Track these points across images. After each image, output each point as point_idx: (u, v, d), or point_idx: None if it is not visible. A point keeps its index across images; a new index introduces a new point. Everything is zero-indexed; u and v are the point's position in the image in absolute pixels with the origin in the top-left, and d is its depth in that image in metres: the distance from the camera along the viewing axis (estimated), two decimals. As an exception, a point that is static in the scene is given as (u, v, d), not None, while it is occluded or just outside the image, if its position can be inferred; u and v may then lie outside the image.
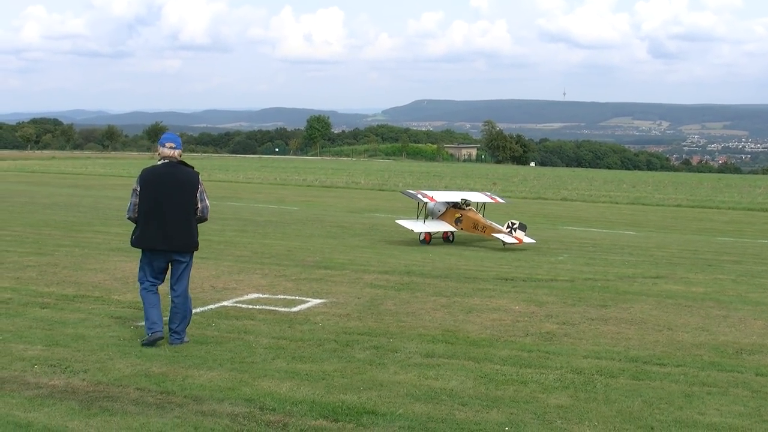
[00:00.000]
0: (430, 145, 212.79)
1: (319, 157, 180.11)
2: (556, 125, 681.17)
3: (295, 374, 9.86)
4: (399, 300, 15.10)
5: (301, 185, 66.00)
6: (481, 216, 26.99)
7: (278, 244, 23.72)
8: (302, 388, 9.34)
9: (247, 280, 16.83)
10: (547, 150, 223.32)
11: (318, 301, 14.78)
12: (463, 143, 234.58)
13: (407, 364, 10.54)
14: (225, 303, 14.37)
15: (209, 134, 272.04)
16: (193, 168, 11.64)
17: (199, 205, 11.50)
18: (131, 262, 18.26)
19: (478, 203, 28.34)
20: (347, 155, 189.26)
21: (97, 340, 11.41)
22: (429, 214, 27.34)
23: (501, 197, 31.64)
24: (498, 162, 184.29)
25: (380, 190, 62.60)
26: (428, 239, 26.25)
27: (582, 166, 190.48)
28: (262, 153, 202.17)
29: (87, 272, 17.50)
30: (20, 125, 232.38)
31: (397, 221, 28.19)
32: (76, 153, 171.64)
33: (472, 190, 48.17)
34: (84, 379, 9.50)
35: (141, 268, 11.60)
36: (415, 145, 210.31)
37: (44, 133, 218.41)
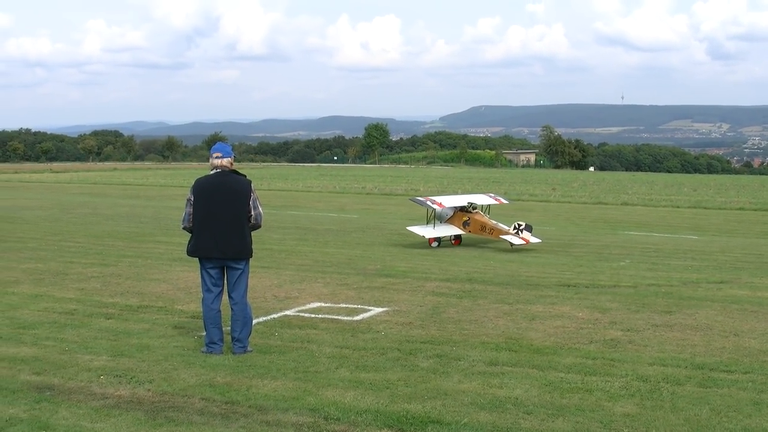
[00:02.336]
0: (488, 151, 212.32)
1: (377, 165, 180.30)
2: (615, 129, 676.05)
3: (359, 383, 9.84)
4: (461, 308, 15.03)
5: (360, 193, 66.04)
6: (488, 218, 27.51)
7: (339, 253, 23.75)
8: (366, 397, 9.31)
9: (309, 289, 16.87)
10: (606, 154, 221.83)
11: (380, 309, 14.76)
12: (521, 149, 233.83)
13: (471, 372, 10.48)
14: (287, 312, 14.41)
15: (268, 143, 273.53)
16: (245, 176, 11.73)
17: (253, 213, 11.59)
18: (193, 272, 18.37)
19: (483, 206, 28.65)
20: (405, 162, 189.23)
21: (162, 350, 11.50)
22: (437, 219, 27.68)
23: (505, 198, 32.24)
24: (557, 167, 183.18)
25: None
26: (437, 243, 26.69)
27: (641, 170, 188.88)
28: (321, 161, 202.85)
29: (150, 282, 17.66)
30: (82, 137, 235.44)
31: (407, 228, 28.32)
32: (137, 164, 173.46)
33: (530, 193, 47.91)
34: (149, 390, 9.56)
35: (201, 277, 11.73)
36: (474, 151, 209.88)
37: (105, 145, 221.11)
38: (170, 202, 49.56)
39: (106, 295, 15.98)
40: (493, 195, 30.96)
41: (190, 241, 11.63)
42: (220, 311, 11.54)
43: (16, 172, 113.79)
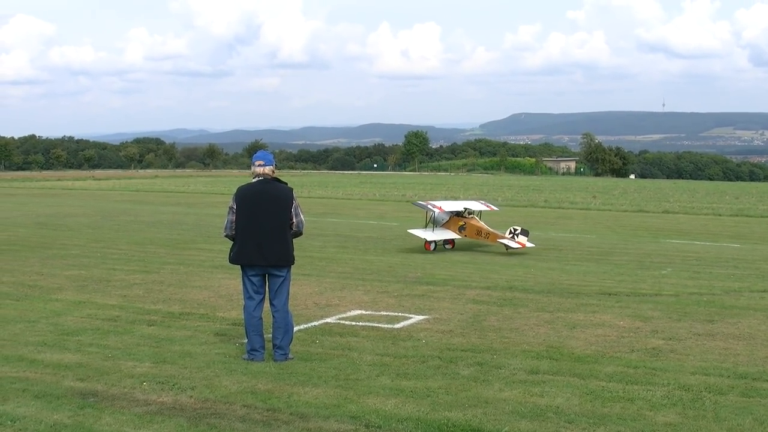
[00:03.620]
0: (528, 158, 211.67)
1: (417, 173, 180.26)
2: (656, 137, 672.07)
3: (400, 391, 9.85)
4: (502, 316, 15.01)
5: (401, 201, 65.96)
6: (484, 224, 28.53)
7: (379, 260, 23.78)
8: (407, 405, 9.32)
9: (350, 297, 16.91)
10: (647, 162, 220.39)
11: (421, 317, 14.77)
12: (561, 156, 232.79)
13: (512, 380, 10.46)
14: (328, 319, 14.46)
15: (308, 151, 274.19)
16: (286, 184, 11.78)
17: (294, 220, 11.65)
18: (234, 279, 18.43)
19: (476, 211, 29.60)
20: (445, 170, 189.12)
21: (204, 357, 11.57)
22: (434, 223, 28.61)
23: (495, 205, 33.63)
24: (597, 175, 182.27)
25: (479, 204, 62.20)
26: (429, 248, 27.44)
27: (683, 178, 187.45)
28: (361, 169, 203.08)
29: (192, 290, 17.77)
30: (124, 145, 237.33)
31: (408, 231, 29.60)
32: (178, 171, 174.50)
33: (570, 201, 47.81)
34: (191, 396, 9.63)
35: (243, 284, 11.79)
36: (514, 159, 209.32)
37: (147, 153, 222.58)
38: (211, 209, 49.77)
39: (149, 302, 16.12)
40: (484, 202, 32.38)
41: (232, 249, 11.72)
42: (261, 319, 11.60)
43: (59, 180, 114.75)
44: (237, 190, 11.78)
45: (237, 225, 11.57)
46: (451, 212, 28.85)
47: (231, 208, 11.67)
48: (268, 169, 11.69)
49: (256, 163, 11.74)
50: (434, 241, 27.72)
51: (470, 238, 28.32)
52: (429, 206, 28.84)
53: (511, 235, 27.26)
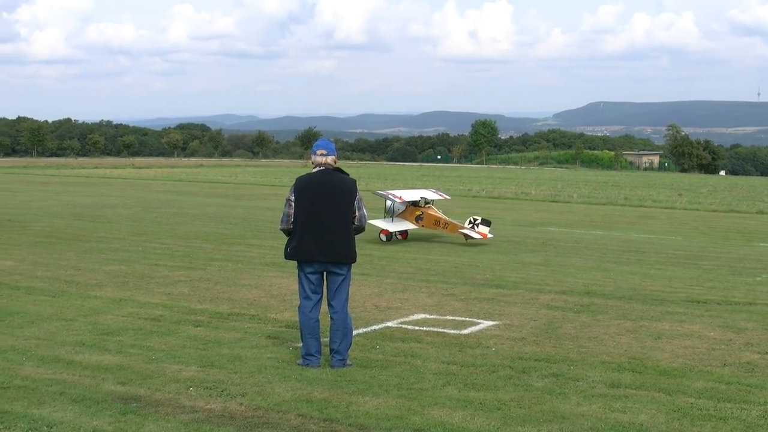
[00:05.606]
0: (606, 151, 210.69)
1: (484, 165, 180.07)
2: (750, 129, 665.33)
3: (468, 403, 9.84)
4: (579, 323, 14.94)
5: (467, 196, 65.95)
6: (441, 213, 30.29)
7: (444, 260, 23.78)
8: (476, 418, 9.30)
9: (413, 299, 16.93)
10: (739, 157, 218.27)
11: (490, 323, 14.74)
12: (643, 150, 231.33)
13: (590, 394, 10.40)
14: (389, 324, 14.48)
15: (366, 140, 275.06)
16: (349, 175, 11.80)
17: (357, 214, 11.67)
18: (287, 278, 18.57)
19: (430, 200, 31.26)
20: (515, 163, 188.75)
21: (254, 362, 11.62)
22: (389, 213, 30.17)
23: (447, 194, 36.06)
24: (683, 170, 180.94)
25: (553, 201, 62.05)
26: (387, 234, 29.04)
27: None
28: (423, 160, 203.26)
29: (241, 288, 17.87)
30: (166, 131, 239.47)
31: (369, 221, 29.33)
32: (225, 160, 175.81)
33: (653, 199, 47.59)
34: (242, 404, 9.67)
35: (299, 282, 11.78)
36: (590, 152, 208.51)
37: (191, 140, 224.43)
38: (261, 201, 50.08)
39: (195, 301, 16.24)
40: (435, 190, 34.43)
41: (289, 244, 11.71)
42: (318, 321, 11.62)
43: (96, 167, 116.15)
44: (296, 180, 11.78)
45: (296, 218, 11.55)
46: (408, 202, 30.22)
47: (289, 200, 11.65)
48: (330, 159, 11.70)
49: (318, 152, 11.73)
50: (393, 232, 29.17)
51: (428, 228, 29.96)
52: (390, 196, 30.36)
53: (471, 225, 29.08)
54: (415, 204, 30.26)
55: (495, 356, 12.27)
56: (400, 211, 30.16)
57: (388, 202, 30.17)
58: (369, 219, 29.21)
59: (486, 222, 29.15)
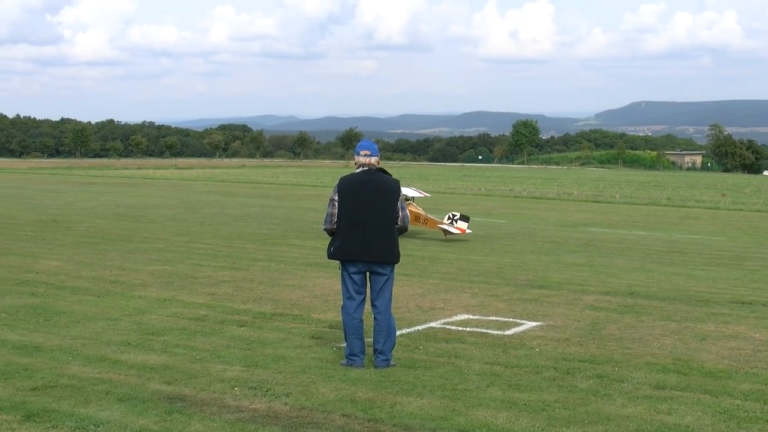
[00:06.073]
0: (648, 151, 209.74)
1: (526, 166, 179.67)
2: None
3: (513, 404, 9.81)
4: (623, 324, 14.86)
5: (508, 196, 65.91)
6: (422, 210, 31.39)
7: (486, 261, 23.75)
8: (521, 419, 9.27)
9: (456, 300, 16.91)
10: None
11: (533, 323, 14.70)
12: (686, 150, 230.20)
13: (635, 395, 10.34)
14: (432, 324, 14.46)
15: (407, 140, 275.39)
16: (392, 176, 11.82)
17: (400, 214, 11.67)
18: (330, 278, 18.59)
19: (410, 197, 32.27)
20: (557, 163, 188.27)
21: (298, 362, 11.63)
22: None
23: (428, 193, 38.66)
24: (726, 170, 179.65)
25: (595, 201, 61.85)
26: None
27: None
28: (464, 161, 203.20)
29: (284, 289, 17.92)
30: (208, 132, 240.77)
31: None
32: (266, 161, 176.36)
33: (696, 199, 47.53)
34: (286, 404, 9.68)
35: (343, 282, 11.78)
36: (632, 152, 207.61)
37: (233, 140, 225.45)
38: (303, 202, 50.20)
39: (238, 301, 16.30)
40: (416, 188, 36.07)
41: (332, 243, 11.71)
42: (362, 321, 11.63)
43: (139, 168, 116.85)
44: (339, 180, 11.80)
45: (340, 218, 11.55)
46: None
47: (332, 200, 11.65)
48: (374, 160, 11.71)
49: (362, 152, 11.74)
50: None
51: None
52: None
53: (450, 220, 29.95)
54: None
55: (539, 357, 12.23)
56: None
57: None
58: None
59: (464, 218, 30.14)
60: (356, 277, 11.59)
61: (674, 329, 14.51)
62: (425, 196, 34.98)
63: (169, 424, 8.92)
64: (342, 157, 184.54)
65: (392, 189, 11.62)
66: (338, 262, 11.74)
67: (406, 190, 32.29)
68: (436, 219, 30.55)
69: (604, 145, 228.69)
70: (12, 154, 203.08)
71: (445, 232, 29.74)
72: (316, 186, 72.86)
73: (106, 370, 10.99)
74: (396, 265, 11.88)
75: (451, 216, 30.20)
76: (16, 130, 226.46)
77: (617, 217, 45.95)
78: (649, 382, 10.99)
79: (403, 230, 11.81)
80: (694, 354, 12.70)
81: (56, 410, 9.25)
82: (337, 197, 11.60)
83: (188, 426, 8.86)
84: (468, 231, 29.97)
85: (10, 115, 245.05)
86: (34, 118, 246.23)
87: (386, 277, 11.60)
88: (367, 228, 11.42)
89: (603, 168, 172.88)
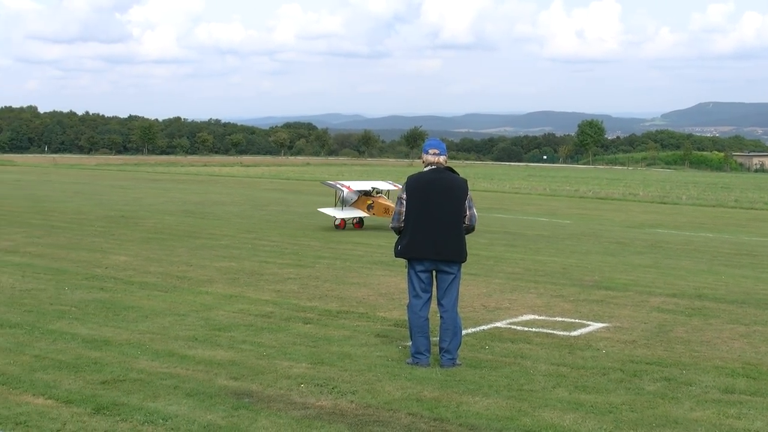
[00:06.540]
0: (716, 153, 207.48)
1: (591, 166, 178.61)
2: None
3: (579, 405, 9.75)
4: (690, 327, 14.70)
5: (573, 196, 65.57)
6: (391, 202, 31.78)
7: (552, 261, 23.63)
8: (588, 421, 9.22)
9: (521, 300, 16.85)
10: None
11: (600, 325, 14.60)
12: (754, 151, 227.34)
13: (704, 399, 10.23)
14: (498, 324, 14.41)
15: (471, 140, 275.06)
16: (459, 175, 11.80)
17: (468, 213, 11.65)
18: (395, 276, 18.62)
19: (384, 190, 33.54)
20: (622, 164, 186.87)
21: (364, 360, 11.66)
22: (342, 203, 32.71)
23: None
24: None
25: (661, 203, 61.35)
26: (342, 225, 31.72)
27: None
28: (529, 160, 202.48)
29: (349, 286, 17.96)
30: (273, 130, 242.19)
31: (318, 209, 34.09)
32: (331, 159, 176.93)
33: (765, 201, 46.97)
34: (352, 401, 9.70)
35: (409, 280, 11.77)
36: (699, 153, 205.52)
37: (298, 138, 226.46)
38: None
39: (304, 299, 16.36)
40: (391, 182, 36.07)
41: (400, 242, 11.71)
42: (428, 319, 11.60)
43: (205, 165, 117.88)
44: (407, 179, 11.82)
45: (408, 216, 11.56)
46: (360, 191, 32.72)
47: (401, 198, 11.68)
48: (442, 158, 11.71)
49: (431, 151, 11.73)
50: (343, 219, 31.77)
51: (378, 216, 31.91)
52: (338, 186, 33.31)
53: None
54: (367, 194, 32.53)
55: (605, 359, 12.15)
56: (354, 200, 32.56)
57: (344, 193, 32.50)
58: (321, 208, 33.05)
59: None
60: (423, 276, 11.58)
61: (743, 333, 14.34)
62: (399, 188, 35.32)
63: (236, 419, 8.97)
64: (406, 156, 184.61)
65: (460, 188, 11.60)
66: (405, 260, 11.75)
67: (379, 183, 35.33)
68: None
69: (671, 145, 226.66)
70: (81, 150, 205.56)
71: None
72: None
73: (174, 365, 11.09)
74: (463, 264, 11.88)
75: None
76: (85, 126, 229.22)
77: (684, 219, 45.54)
78: (717, 385, 10.87)
79: (470, 229, 11.76)
80: (763, 358, 12.55)
81: (125, 404, 9.36)
82: (405, 195, 11.62)
83: (255, 422, 8.90)
84: None
85: (80, 112, 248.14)
86: (103, 115, 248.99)
87: (453, 275, 11.59)
88: (435, 226, 11.41)
89: (669, 169, 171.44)
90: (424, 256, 11.48)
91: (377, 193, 32.95)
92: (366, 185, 34.10)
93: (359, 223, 32.49)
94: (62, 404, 9.34)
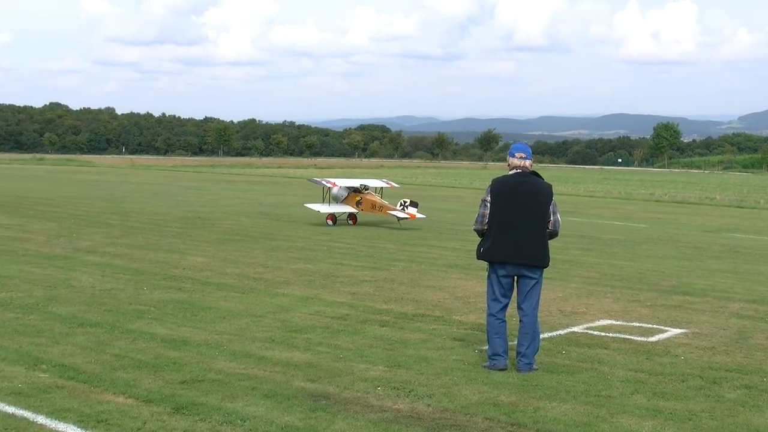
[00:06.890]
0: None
1: (666, 169, 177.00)
2: None
3: (658, 412, 9.66)
4: (771, 334, 14.51)
5: (649, 200, 64.96)
6: (378, 198, 34.22)
7: (628, 266, 23.42)
8: (667, 428, 9.13)
9: (597, 305, 16.73)
10: None
11: (677, 330, 14.44)
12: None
13: (786, 408, 10.08)
14: (575, 329, 14.34)
15: (545, 142, 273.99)
16: (544, 179, 11.75)
17: (552, 218, 11.59)
18: (471, 280, 18.60)
19: (376, 188, 35.58)
20: (698, 167, 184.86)
21: (440, 363, 11.64)
22: (333, 199, 34.44)
23: (396, 183, 41.37)
24: None
25: (739, 207, 60.60)
26: (332, 220, 33.26)
27: None
28: (603, 164, 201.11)
29: (425, 289, 17.96)
30: (347, 132, 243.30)
31: (305, 205, 35.68)
32: (405, 161, 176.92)
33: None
34: (429, 405, 9.69)
35: (489, 284, 11.74)
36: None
37: (371, 141, 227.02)
38: (441, 203, 50.12)
39: (380, 301, 16.38)
40: (385, 180, 39.42)
41: (482, 244, 11.67)
42: (505, 321, 11.58)
43: (279, 167, 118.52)
44: (492, 181, 11.78)
45: (492, 219, 11.52)
46: (349, 188, 34.72)
47: (484, 200, 11.65)
48: (528, 163, 11.67)
49: (517, 154, 11.69)
50: (333, 214, 33.34)
51: (366, 212, 34.03)
52: (323, 182, 35.11)
53: (401, 207, 32.86)
54: (356, 191, 34.39)
55: (684, 365, 12.02)
56: (344, 197, 34.40)
57: (334, 190, 34.32)
58: (306, 203, 34.92)
59: (414, 204, 33.06)
60: (504, 281, 11.55)
61: (825, 340, 14.11)
62: (393, 186, 38.23)
63: (313, 421, 9.00)
64: (480, 159, 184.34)
65: (545, 193, 11.54)
66: (486, 263, 11.72)
67: (370, 181, 37.27)
68: (389, 206, 33.46)
69: (748, 149, 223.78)
70: (157, 151, 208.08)
71: (398, 218, 32.83)
72: (455, 187, 72.80)
73: (251, 366, 11.16)
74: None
75: (403, 202, 33.19)
76: (162, 128, 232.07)
77: (762, 223, 44.92)
78: (800, 395, 10.70)
79: (553, 235, 11.71)
80: None
81: (204, 404, 9.44)
82: (489, 198, 11.58)
83: (332, 424, 8.93)
84: (418, 216, 32.98)
85: (157, 113, 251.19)
86: (179, 117, 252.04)
87: (535, 280, 11.56)
88: (518, 230, 11.38)
89: (747, 172, 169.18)
90: (506, 260, 11.44)
91: (365, 189, 34.68)
92: (354, 182, 36.18)
93: (353, 219, 34.35)
94: (142, 403, 9.45)
